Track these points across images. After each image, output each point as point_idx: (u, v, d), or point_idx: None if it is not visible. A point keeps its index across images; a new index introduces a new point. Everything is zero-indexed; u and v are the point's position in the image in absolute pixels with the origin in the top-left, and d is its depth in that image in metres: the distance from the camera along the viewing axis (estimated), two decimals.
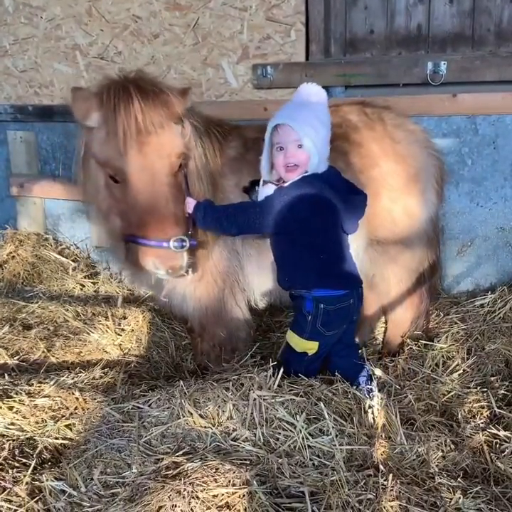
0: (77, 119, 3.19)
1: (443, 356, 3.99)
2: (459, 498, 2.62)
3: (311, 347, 3.46)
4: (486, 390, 3.58)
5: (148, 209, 3.10)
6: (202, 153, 3.48)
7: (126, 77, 3.24)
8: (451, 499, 2.62)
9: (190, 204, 3.36)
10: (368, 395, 3.27)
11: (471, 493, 2.68)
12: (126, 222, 3.23)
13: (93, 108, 3.11)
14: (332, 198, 3.34)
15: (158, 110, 3.08)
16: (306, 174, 3.34)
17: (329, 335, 3.45)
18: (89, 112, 3.12)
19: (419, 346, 4.13)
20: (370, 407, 3.13)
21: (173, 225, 3.13)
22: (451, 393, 3.59)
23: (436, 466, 2.88)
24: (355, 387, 3.37)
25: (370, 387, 3.43)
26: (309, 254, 3.40)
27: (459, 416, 3.36)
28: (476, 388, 3.62)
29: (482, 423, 3.30)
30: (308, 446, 2.87)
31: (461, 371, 3.82)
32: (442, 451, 2.99)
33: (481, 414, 3.38)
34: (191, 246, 3.20)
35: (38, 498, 2.72)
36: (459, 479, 2.78)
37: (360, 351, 3.82)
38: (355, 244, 3.87)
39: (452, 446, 3.06)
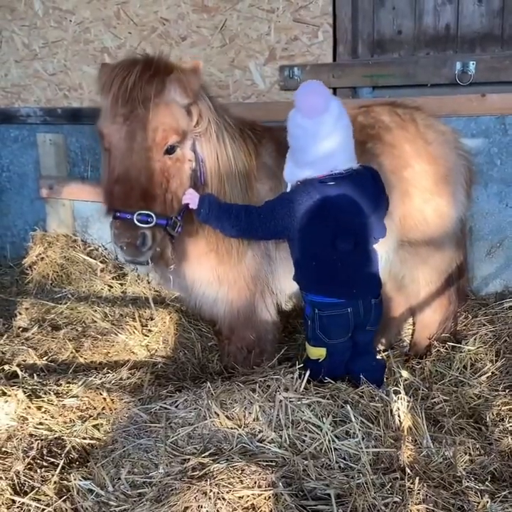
0: (99, 92, 3.28)
1: (471, 359, 3.96)
2: (487, 502, 2.59)
3: (319, 353, 3.48)
4: None
5: (119, 178, 3.13)
6: (227, 155, 3.48)
7: (145, 55, 3.34)
8: (478, 503, 2.60)
9: (191, 196, 3.35)
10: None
11: (498, 497, 2.65)
12: (105, 191, 3.27)
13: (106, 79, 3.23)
14: (343, 205, 3.29)
15: (153, 85, 3.10)
16: (308, 178, 3.33)
17: (332, 343, 3.44)
18: (103, 84, 3.24)
19: (446, 348, 4.09)
20: (397, 409, 3.11)
21: (139, 199, 3.11)
22: (479, 396, 3.56)
23: (464, 469, 2.85)
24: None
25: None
26: (304, 259, 3.44)
27: (487, 419, 3.33)
28: (505, 391, 3.58)
29: (511, 426, 3.26)
30: (335, 448, 2.85)
31: (489, 374, 3.78)
32: (470, 454, 2.97)
33: (510, 417, 3.34)
34: (158, 224, 3.15)
35: (65, 497, 2.75)
36: (486, 483, 2.75)
37: (381, 354, 3.78)
38: (386, 246, 3.86)
39: (481, 450, 3.03)
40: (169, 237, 3.35)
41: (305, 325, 3.54)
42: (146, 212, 3.09)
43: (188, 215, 3.42)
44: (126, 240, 3.12)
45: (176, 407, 3.22)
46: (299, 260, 3.49)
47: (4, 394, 3.44)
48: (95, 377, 3.73)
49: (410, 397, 3.26)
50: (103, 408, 3.43)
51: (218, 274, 3.67)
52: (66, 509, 2.69)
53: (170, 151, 3.21)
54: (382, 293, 3.56)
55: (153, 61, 3.24)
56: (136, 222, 3.07)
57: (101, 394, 3.51)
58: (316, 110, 3.18)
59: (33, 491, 2.78)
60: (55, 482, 2.83)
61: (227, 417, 3.04)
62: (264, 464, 2.75)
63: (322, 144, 3.21)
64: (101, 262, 5.79)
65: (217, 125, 3.44)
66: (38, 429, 3.22)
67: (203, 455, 2.84)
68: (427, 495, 2.58)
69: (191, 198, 3.35)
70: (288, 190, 3.45)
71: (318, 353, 3.48)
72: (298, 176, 3.35)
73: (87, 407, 3.43)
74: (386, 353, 4.28)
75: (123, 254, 3.26)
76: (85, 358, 4.21)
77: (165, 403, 3.26)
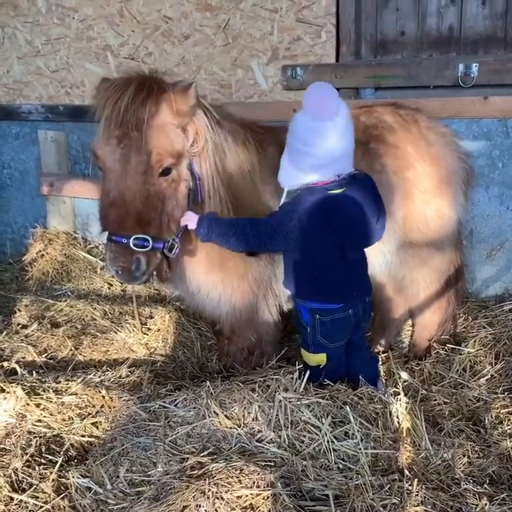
0: (94, 111, 3.25)
1: (470, 361, 3.96)
2: (485, 504, 2.60)
3: (320, 359, 3.48)
4: None
5: (114, 201, 3.09)
6: (227, 171, 3.43)
7: (139, 74, 3.26)
8: (476, 505, 2.61)
9: (190, 217, 3.29)
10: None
11: (497, 499, 2.65)
12: (101, 213, 3.23)
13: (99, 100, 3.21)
14: (352, 212, 3.25)
15: (146, 108, 3.05)
16: (311, 184, 3.27)
17: (334, 346, 3.45)
18: (97, 104, 3.22)
19: (446, 350, 4.10)
20: (396, 411, 3.11)
21: (134, 223, 3.08)
22: (479, 399, 3.56)
23: (462, 471, 2.86)
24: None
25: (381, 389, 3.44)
26: (305, 268, 3.38)
27: (486, 422, 3.33)
28: (504, 394, 3.58)
29: (509, 429, 3.26)
30: (333, 449, 2.86)
31: (488, 376, 3.78)
32: (468, 457, 2.97)
33: (509, 420, 3.35)
34: (155, 247, 3.13)
35: (64, 495, 2.76)
36: (485, 485, 2.76)
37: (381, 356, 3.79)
38: (387, 248, 3.86)
39: (479, 453, 3.03)
40: (165, 258, 3.33)
41: (302, 333, 3.53)
42: (143, 236, 3.07)
43: (188, 234, 3.40)
44: (121, 264, 3.11)
45: (175, 405, 3.23)
46: (298, 269, 3.42)
47: (3, 391, 3.45)
48: (94, 375, 3.73)
49: (409, 398, 3.27)
50: (102, 406, 3.43)
51: (223, 280, 3.65)
52: (64, 507, 2.70)
53: (165, 173, 3.16)
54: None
55: (147, 81, 3.17)
56: (132, 246, 3.06)
57: (100, 392, 3.50)
58: (327, 112, 3.15)
59: (31, 489, 2.79)
60: (53, 480, 2.84)
61: (226, 416, 3.05)
62: (263, 463, 2.75)
63: (331, 147, 3.16)
64: (101, 259, 5.78)
65: (216, 141, 3.37)
66: (36, 426, 3.22)
67: (201, 454, 2.84)
68: (425, 497, 2.59)
69: (190, 219, 3.29)
70: (284, 194, 3.37)
71: (318, 359, 3.47)
72: (301, 180, 3.26)
73: (86, 405, 3.43)
74: (386, 354, 4.28)
75: (118, 277, 3.26)
76: (84, 356, 4.21)
77: (164, 402, 3.27)
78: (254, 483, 2.59)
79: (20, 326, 4.63)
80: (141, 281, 3.26)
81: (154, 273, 3.36)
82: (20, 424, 3.22)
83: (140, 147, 3.05)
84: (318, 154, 3.18)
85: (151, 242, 3.08)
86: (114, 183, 3.10)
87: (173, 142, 3.17)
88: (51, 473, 2.87)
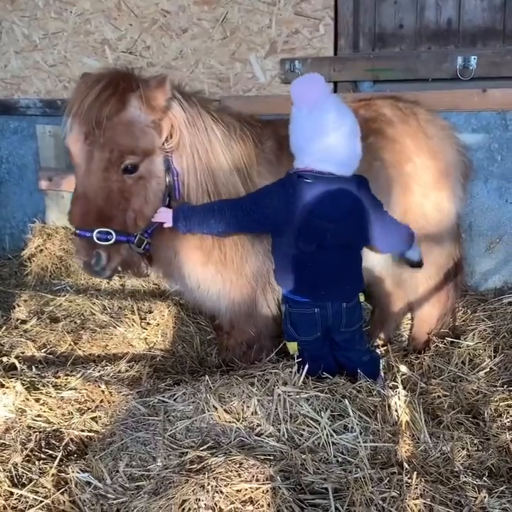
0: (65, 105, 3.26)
1: (469, 354, 3.96)
2: (484, 497, 2.60)
3: (292, 347, 3.52)
4: None
5: (78, 196, 3.12)
6: (209, 165, 3.40)
7: (112, 70, 3.25)
8: (476, 498, 2.61)
9: (163, 214, 3.29)
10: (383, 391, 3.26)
11: (496, 492, 2.65)
12: (69, 208, 3.23)
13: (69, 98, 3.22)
14: (312, 205, 3.24)
15: (109, 105, 3.04)
16: (291, 172, 3.34)
17: (302, 340, 3.47)
18: (67, 102, 3.22)
19: (445, 344, 4.10)
20: (395, 404, 3.11)
21: (96, 219, 3.09)
22: (478, 392, 3.56)
23: (461, 464, 2.86)
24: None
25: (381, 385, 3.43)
26: (278, 254, 3.47)
27: (485, 415, 3.33)
28: (503, 387, 3.58)
29: (508, 422, 3.26)
30: (333, 442, 2.86)
31: (487, 369, 3.78)
32: (467, 449, 2.97)
33: (508, 413, 3.34)
34: (118, 241, 3.13)
35: (63, 489, 2.76)
36: (484, 478, 2.76)
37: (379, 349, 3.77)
38: None
39: (478, 446, 3.03)
40: (140, 254, 3.37)
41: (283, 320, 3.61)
42: (106, 229, 3.09)
43: (173, 230, 3.39)
44: (82, 257, 3.14)
45: (175, 400, 3.23)
46: (274, 255, 3.52)
47: (2, 386, 3.44)
48: (94, 370, 3.73)
49: (408, 391, 3.27)
50: (101, 401, 3.43)
51: (221, 275, 3.65)
52: (64, 501, 2.70)
53: (131, 170, 3.15)
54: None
55: (116, 78, 3.15)
56: (95, 239, 3.07)
57: (99, 386, 3.50)
58: (304, 100, 3.18)
59: (31, 483, 2.79)
60: (53, 474, 2.83)
61: (225, 410, 3.05)
62: (262, 457, 2.75)
63: (304, 135, 3.22)
64: None
65: (196, 135, 3.34)
66: (36, 421, 3.22)
67: (201, 448, 2.85)
68: (424, 490, 2.59)
69: (165, 217, 3.29)
70: None
71: (290, 347, 3.53)
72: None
73: (85, 400, 3.43)
74: (385, 347, 4.28)
75: (85, 272, 3.33)
76: (84, 351, 4.21)
77: (163, 396, 3.27)
78: (253, 477, 2.59)
79: (19, 321, 4.63)
80: (105, 276, 3.29)
81: (130, 269, 3.44)
82: (19, 419, 3.22)
83: (101, 144, 3.06)
84: (291, 140, 3.30)
85: (114, 235, 3.10)
86: (80, 179, 3.14)
87: (138, 139, 3.15)
88: (51, 468, 2.87)
